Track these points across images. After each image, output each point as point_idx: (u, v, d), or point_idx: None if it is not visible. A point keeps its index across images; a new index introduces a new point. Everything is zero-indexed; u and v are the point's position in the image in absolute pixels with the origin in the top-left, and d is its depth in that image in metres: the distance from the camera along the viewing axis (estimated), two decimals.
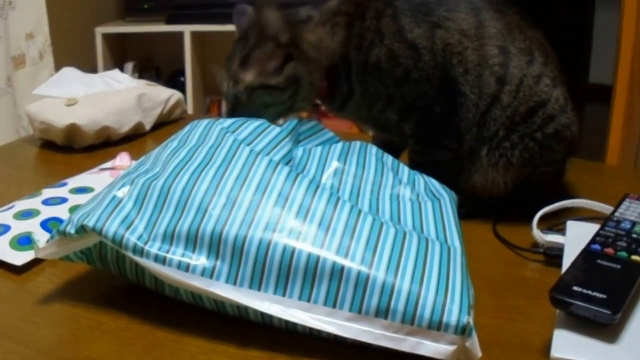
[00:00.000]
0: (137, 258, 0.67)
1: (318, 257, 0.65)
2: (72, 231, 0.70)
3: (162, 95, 1.40)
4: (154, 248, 0.67)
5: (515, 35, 0.94)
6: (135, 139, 1.32)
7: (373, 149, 0.87)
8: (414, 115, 0.97)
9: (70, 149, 1.26)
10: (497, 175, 0.94)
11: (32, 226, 0.87)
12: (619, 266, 0.70)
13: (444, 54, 0.94)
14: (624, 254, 0.72)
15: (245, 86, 0.95)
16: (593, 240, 0.76)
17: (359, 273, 0.64)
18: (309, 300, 0.64)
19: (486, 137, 0.94)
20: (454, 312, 0.62)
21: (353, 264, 0.64)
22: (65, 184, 1.00)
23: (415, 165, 0.94)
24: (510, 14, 0.96)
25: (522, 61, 0.92)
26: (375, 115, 1.00)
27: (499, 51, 0.93)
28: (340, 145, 0.86)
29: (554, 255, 0.83)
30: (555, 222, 0.91)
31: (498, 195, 0.96)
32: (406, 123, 0.98)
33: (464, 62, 0.93)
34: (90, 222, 0.68)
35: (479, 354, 0.62)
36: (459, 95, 0.94)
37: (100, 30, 3.36)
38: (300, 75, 0.96)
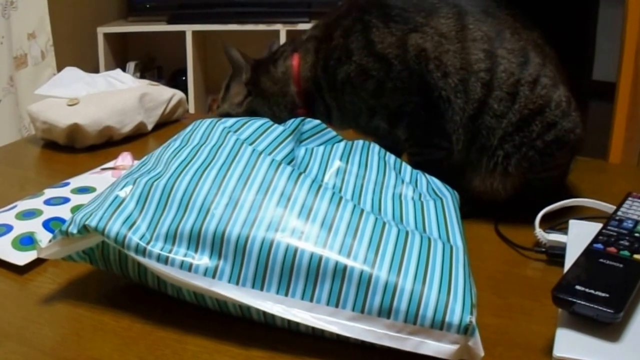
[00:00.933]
0: (139, 258, 0.67)
1: (321, 257, 0.65)
2: (75, 231, 0.70)
3: (164, 95, 1.40)
4: (156, 248, 0.67)
5: (506, 36, 0.92)
6: (137, 139, 1.32)
7: (375, 148, 0.87)
8: (404, 120, 0.98)
9: (72, 149, 1.26)
10: (495, 182, 0.94)
11: (34, 226, 0.87)
12: (621, 265, 0.70)
13: (418, 60, 0.93)
14: (626, 253, 0.72)
15: (219, 114, 1.08)
16: (595, 240, 0.76)
17: (361, 272, 0.64)
18: (311, 300, 0.64)
19: (486, 145, 0.93)
20: (457, 312, 0.62)
21: (356, 264, 0.64)
22: (67, 184, 1.00)
23: (414, 165, 0.94)
24: (501, 16, 0.94)
25: (513, 63, 0.91)
26: (364, 125, 1.03)
27: (484, 55, 0.91)
28: (342, 144, 0.86)
29: (556, 254, 0.83)
30: (557, 221, 0.91)
31: (499, 200, 0.95)
32: (398, 129, 0.99)
33: (442, 66, 0.92)
34: (93, 222, 0.68)
35: (482, 353, 0.62)
36: (441, 101, 0.93)
37: (102, 30, 3.36)
38: (256, 108, 1.07)
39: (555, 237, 0.85)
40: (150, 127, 1.36)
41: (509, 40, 0.92)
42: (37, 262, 0.83)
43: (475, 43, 0.92)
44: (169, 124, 1.43)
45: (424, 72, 0.93)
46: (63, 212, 0.91)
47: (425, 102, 0.94)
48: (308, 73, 1.03)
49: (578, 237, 0.81)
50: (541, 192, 0.95)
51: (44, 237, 0.84)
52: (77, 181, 1.02)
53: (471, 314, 0.62)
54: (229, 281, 0.65)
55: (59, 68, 2.05)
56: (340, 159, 0.82)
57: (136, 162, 0.82)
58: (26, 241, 0.84)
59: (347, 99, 1.00)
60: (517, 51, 0.92)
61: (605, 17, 4.35)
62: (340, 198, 0.71)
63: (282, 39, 3.23)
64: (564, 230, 0.87)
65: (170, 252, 0.67)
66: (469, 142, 0.94)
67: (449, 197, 0.81)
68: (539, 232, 0.87)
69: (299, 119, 0.84)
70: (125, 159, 1.11)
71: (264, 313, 0.67)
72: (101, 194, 0.75)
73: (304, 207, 0.68)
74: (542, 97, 0.91)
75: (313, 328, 0.66)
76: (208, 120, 0.81)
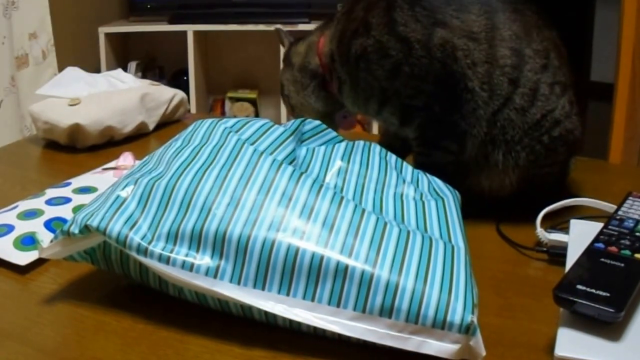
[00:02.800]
0: (141, 258, 0.67)
1: (322, 257, 0.65)
2: (76, 231, 0.70)
3: (165, 95, 1.40)
4: (157, 248, 0.67)
5: (533, 37, 0.92)
6: (138, 139, 1.33)
7: (376, 148, 0.87)
8: (415, 118, 0.96)
9: (74, 149, 1.26)
10: (505, 177, 0.94)
11: (35, 226, 0.87)
12: (622, 264, 0.70)
13: (443, 49, 0.91)
14: (627, 252, 0.72)
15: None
16: (596, 239, 0.76)
17: (363, 272, 0.64)
18: (313, 300, 0.64)
19: (502, 140, 0.93)
20: (458, 311, 0.62)
21: (357, 263, 0.64)
22: (68, 184, 1.00)
23: (419, 166, 0.93)
24: (529, 14, 0.93)
25: (537, 64, 0.91)
26: (373, 114, 1.02)
27: (511, 53, 0.90)
28: (343, 144, 0.86)
29: (557, 253, 0.83)
30: (558, 221, 0.91)
31: (503, 196, 0.96)
32: (408, 127, 0.98)
33: (470, 55, 0.91)
34: (94, 222, 0.68)
35: (483, 353, 0.62)
36: (465, 91, 0.92)
37: (103, 30, 3.37)
38: (281, 79, 1.14)
39: (556, 236, 0.86)
40: (151, 127, 1.36)
41: (535, 41, 0.92)
42: (39, 262, 0.83)
43: (503, 42, 0.91)
44: (170, 123, 1.43)
45: (449, 62, 0.91)
46: (64, 212, 0.91)
47: (442, 94, 0.93)
48: (326, 48, 1.05)
49: (579, 236, 0.81)
50: (541, 189, 0.96)
51: (45, 237, 0.84)
52: (78, 181, 1.02)
53: (472, 313, 0.62)
54: (231, 281, 0.66)
55: (60, 68, 2.05)
56: (342, 159, 0.82)
57: (137, 162, 0.82)
58: (27, 241, 0.84)
59: (361, 75, 0.99)
60: (541, 52, 0.91)
61: (602, 19, 4.35)
62: (342, 198, 0.71)
63: None
64: (565, 229, 0.87)
65: (171, 252, 0.67)
66: (484, 136, 0.93)
67: (450, 197, 0.81)
68: (540, 231, 0.87)
69: (300, 119, 0.84)
70: (126, 159, 1.11)
71: (266, 313, 0.67)
72: (102, 194, 0.75)
73: (305, 207, 0.69)
74: (554, 102, 0.91)
75: (314, 328, 0.66)
76: (209, 121, 0.81)
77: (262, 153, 0.74)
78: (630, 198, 0.87)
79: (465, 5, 0.93)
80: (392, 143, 1.06)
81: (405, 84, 0.94)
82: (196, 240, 0.67)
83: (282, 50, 1.20)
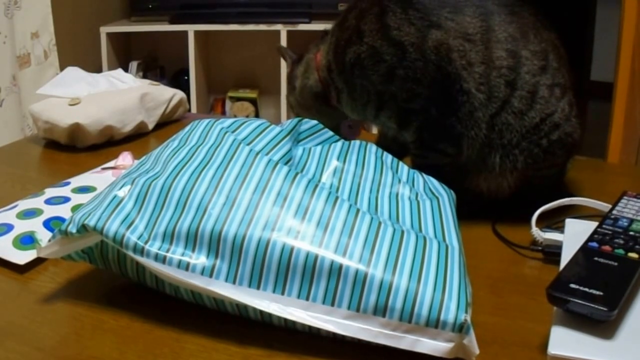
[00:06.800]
0: (137, 257, 0.68)
1: (316, 256, 0.65)
2: (74, 230, 0.70)
3: (165, 95, 1.40)
4: (154, 247, 0.68)
5: (530, 38, 0.91)
6: (138, 139, 1.33)
7: (372, 148, 0.87)
8: (413, 121, 0.97)
9: (74, 149, 1.26)
10: (502, 180, 0.94)
11: (34, 225, 0.87)
12: (615, 263, 0.70)
13: (438, 51, 0.92)
14: (620, 251, 0.73)
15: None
16: (590, 238, 0.76)
17: (357, 271, 0.64)
18: (307, 299, 0.65)
19: (499, 143, 0.93)
20: (452, 310, 0.62)
21: (351, 263, 0.65)
22: (68, 184, 1.00)
23: (416, 168, 0.94)
24: (526, 16, 0.93)
25: (535, 66, 0.90)
26: (372, 119, 1.02)
27: (507, 54, 0.90)
28: (339, 144, 0.86)
29: (552, 253, 0.84)
30: (554, 220, 0.92)
31: (501, 197, 0.96)
32: (406, 130, 0.98)
33: (466, 56, 0.91)
34: (92, 222, 0.69)
35: (477, 351, 0.62)
36: (460, 94, 0.92)
37: (105, 30, 3.38)
38: (289, 101, 1.17)
39: (551, 235, 0.86)
40: (151, 126, 1.36)
41: (532, 42, 0.91)
42: (38, 261, 0.83)
43: (499, 44, 0.91)
44: (170, 123, 1.43)
45: (444, 64, 0.91)
46: (63, 211, 0.91)
47: (439, 96, 0.93)
48: (323, 61, 1.05)
49: (574, 235, 0.81)
50: (538, 190, 0.96)
51: (44, 237, 0.85)
52: (77, 180, 1.02)
53: (466, 312, 0.62)
54: (226, 280, 0.66)
55: (62, 67, 2.05)
56: (338, 159, 0.83)
57: (136, 162, 0.82)
58: (26, 240, 0.85)
59: (357, 82, 0.99)
60: (539, 53, 0.91)
61: (603, 18, 4.35)
62: (336, 198, 0.71)
63: (283, 40, 3.24)
64: (560, 229, 0.87)
65: (167, 251, 0.67)
66: (483, 139, 0.94)
67: (446, 197, 0.82)
68: (536, 230, 0.87)
69: (297, 119, 0.85)
70: (125, 159, 1.11)
71: (261, 312, 0.68)
72: (100, 193, 0.76)
73: (300, 207, 0.69)
74: (554, 105, 0.91)
75: (309, 326, 0.67)
76: (206, 121, 0.82)
77: (257, 153, 0.74)
78: (625, 197, 0.88)
79: (459, 7, 0.93)
80: (389, 146, 1.06)
81: (401, 87, 0.95)
82: (192, 240, 0.67)
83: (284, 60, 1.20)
